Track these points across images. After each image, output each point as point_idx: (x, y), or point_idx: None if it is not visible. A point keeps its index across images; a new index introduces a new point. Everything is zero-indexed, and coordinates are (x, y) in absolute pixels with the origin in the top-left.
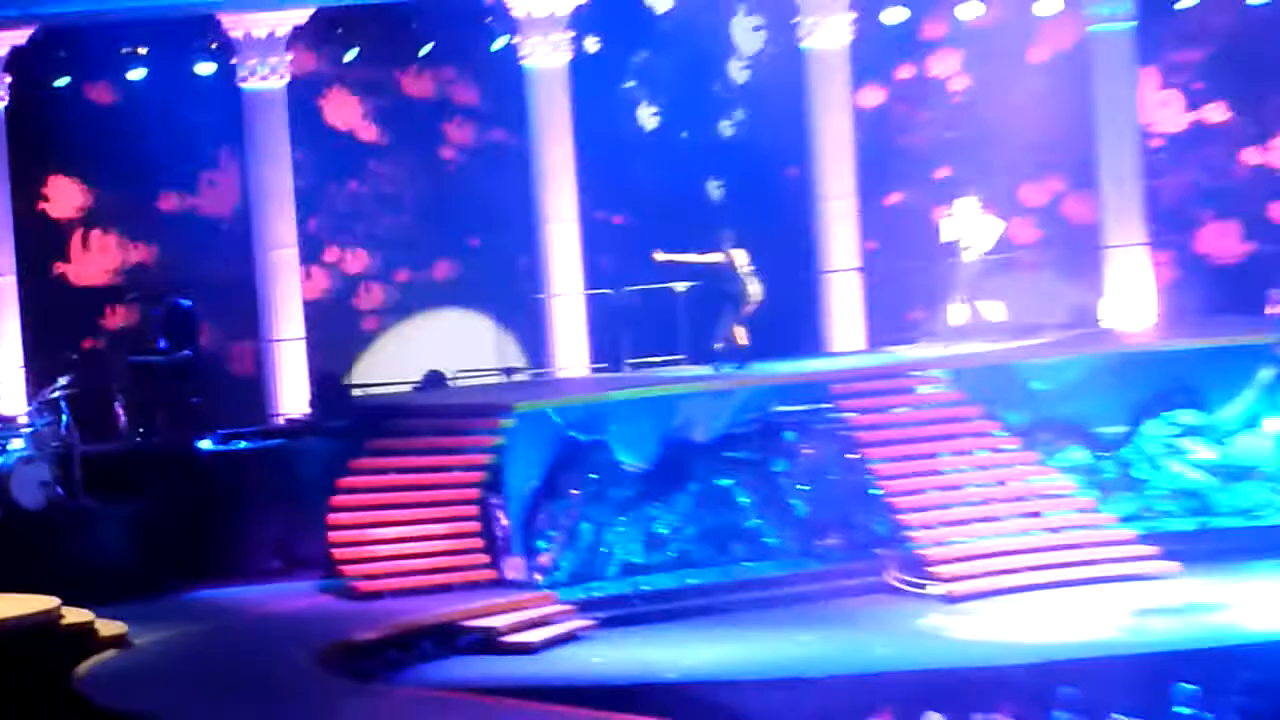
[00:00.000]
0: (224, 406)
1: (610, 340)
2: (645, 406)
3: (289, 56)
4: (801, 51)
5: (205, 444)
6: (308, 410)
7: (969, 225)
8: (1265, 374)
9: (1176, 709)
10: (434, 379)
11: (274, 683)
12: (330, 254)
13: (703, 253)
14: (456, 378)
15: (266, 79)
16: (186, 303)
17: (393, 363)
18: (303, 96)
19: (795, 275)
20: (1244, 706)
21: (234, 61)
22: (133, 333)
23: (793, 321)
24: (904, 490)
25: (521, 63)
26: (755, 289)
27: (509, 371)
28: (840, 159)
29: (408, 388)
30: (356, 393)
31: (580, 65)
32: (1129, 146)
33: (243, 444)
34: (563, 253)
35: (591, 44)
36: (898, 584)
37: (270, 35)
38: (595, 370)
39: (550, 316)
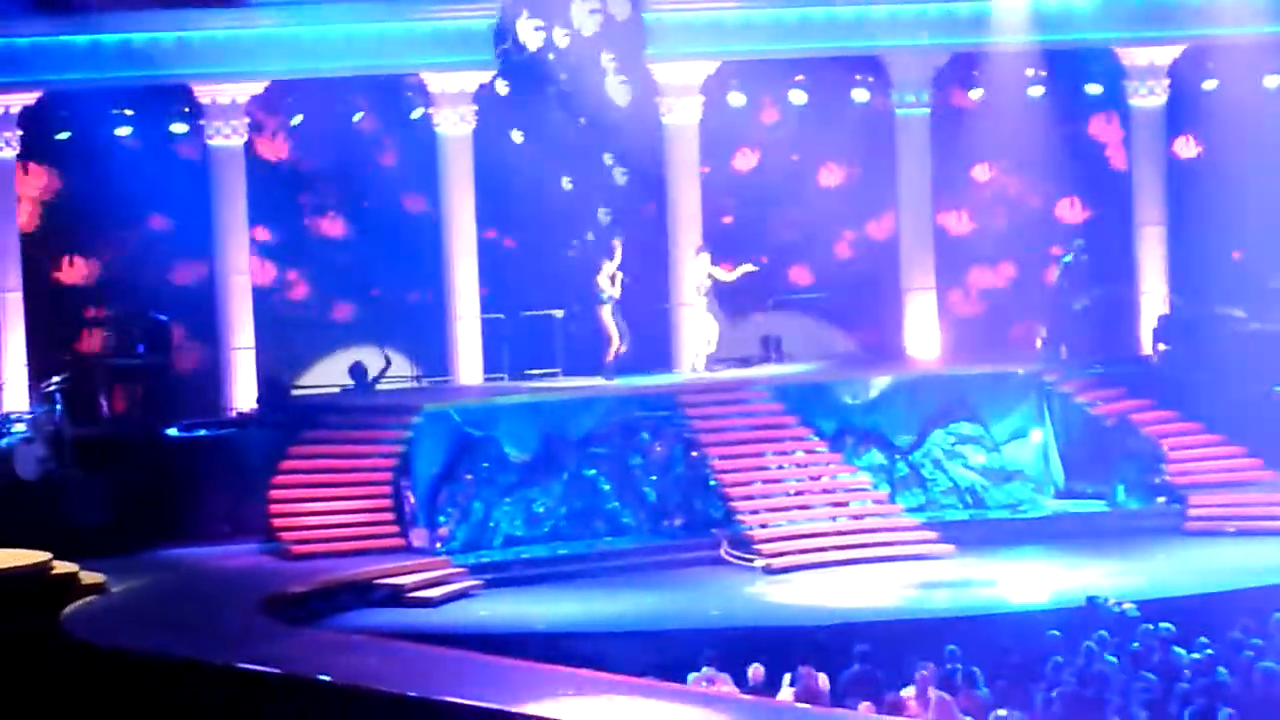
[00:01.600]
0: (188, 401)
1: (500, 355)
2: (528, 409)
3: (246, 119)
4: (663, 125)
5: (172, 431)
6: (255, 406)
7: (705, 274)
8: (1031, 395)
9: (951, 665)
10: (357, 369)
11: (222, 624)
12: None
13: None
14: (378, 378)
15: (229, 137)
16: (163, 316)
17: (333, 372)
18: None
19: (654, 305)
20: (1011, 664)
21: (202, 123)
22: (118, 340)
23: (651, 343)
24: (736, 482)
25: (435, 130)
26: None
27: (418, 379)
28: (691, 215)
29: (338, 388)
30: (298, 393)
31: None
32: (926, 210)
33: (202, 432)
34: (464, 285)
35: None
36: (729, 558)
37: (232, 101)
38: (488, 379)
39: (452, 336)
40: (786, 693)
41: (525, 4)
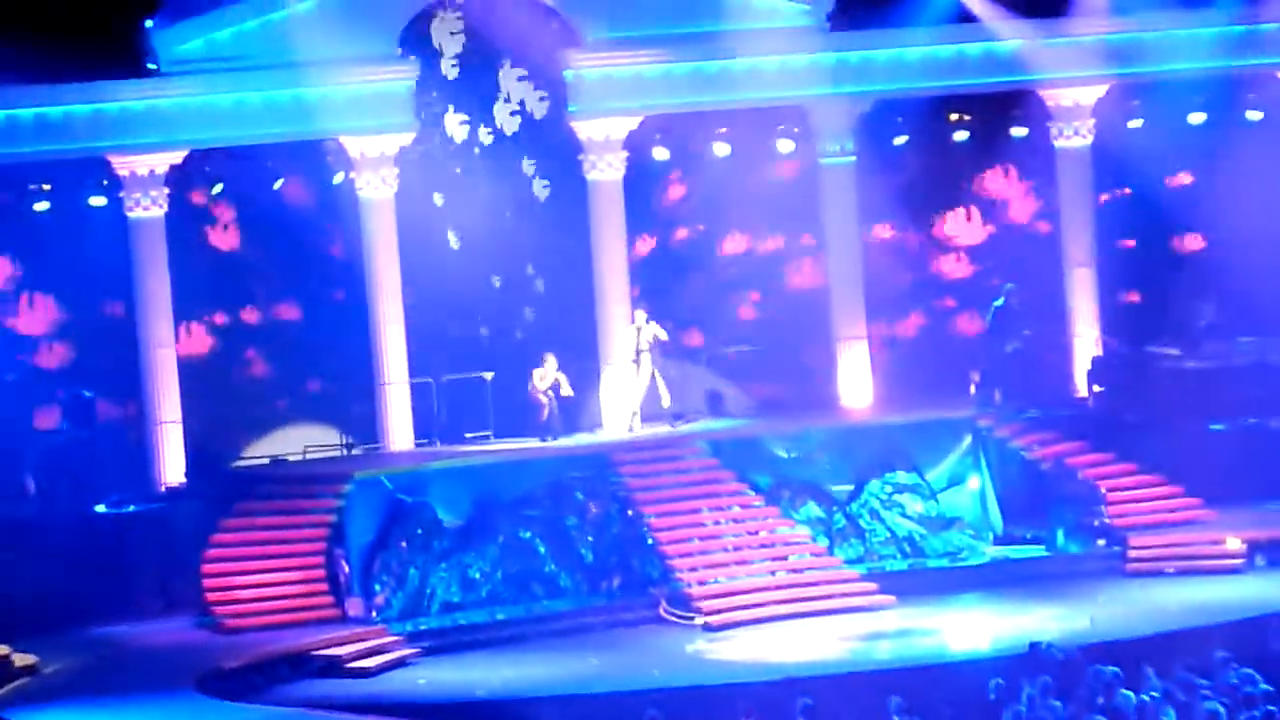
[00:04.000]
0: (115, 476)
1: (431, 419)
2: (460, 473)
3: (166, 190)
4: (586, 183)
5: (100, 507)
6: (184, 479)
7: (643, 334)
8: (967, 441)
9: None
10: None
11: (159, 702)
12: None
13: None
14: (307, 451)
15: (148, 209)
16: (89, 393)
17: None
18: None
19: (583, 366)
20: (955, 714)
21: (121, 194)
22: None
23: (580, 402)
24: (673, 539)
25: (358, 194)
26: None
27: (349, 446)
28: (618, 272)
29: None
30: (237, 464)
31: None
32: (854, 256)
33: (131, 507)
34: (393, 348)
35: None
36: (668, 616)
37: (151, 172)
38: (418, 445)
39: (382, 402)
40: None
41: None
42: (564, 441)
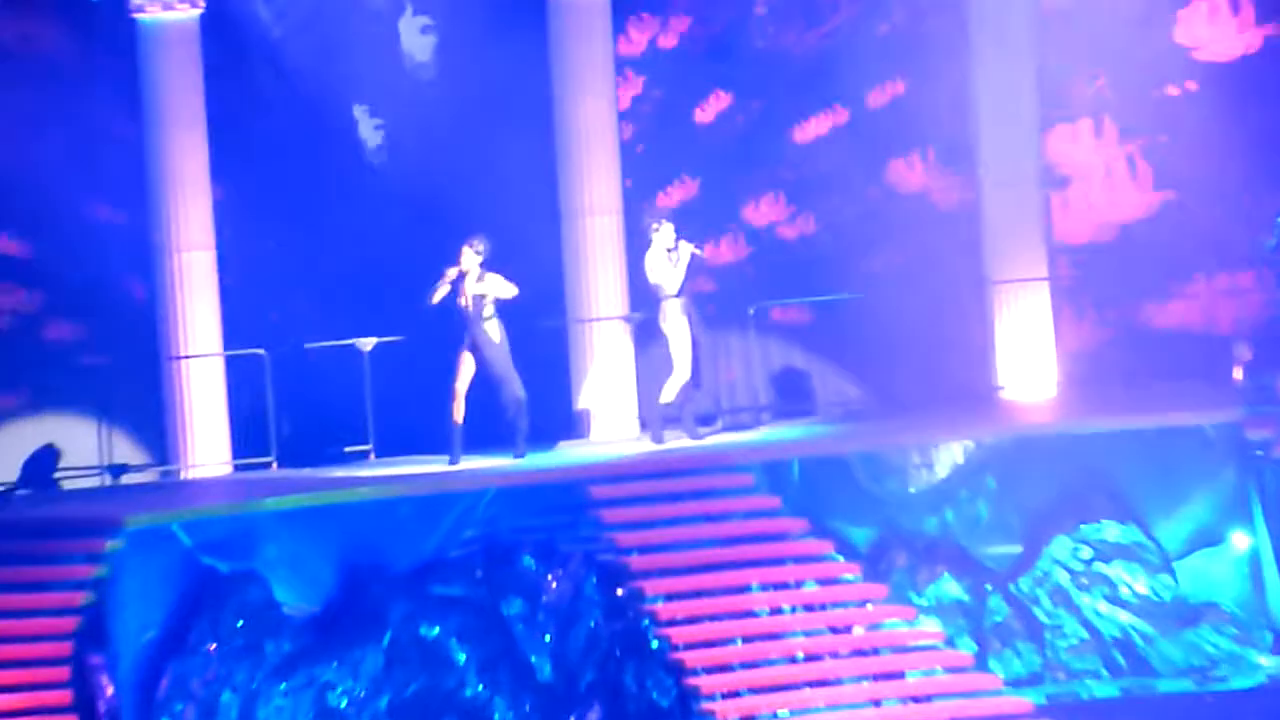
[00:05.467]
0: None
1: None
2: (315, 520)
3: None
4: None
5: None
6: None
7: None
8: (1229, 468)
9: None
10: (43, 459)
11: None
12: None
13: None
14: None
15: None
16: None
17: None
18: None
19: (533, 324)
20: None
21: None
22: None
23: (532, 392)
24: (697, 640)
25: (134, 17)
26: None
27: (117, 471)
28: (601, 152)
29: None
30: None
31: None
32: (1026, 134)
33: None
34: (197, 295)
35: None
36: None
37: None
38: (240, 467)
39: (176, 389)
40: None
41: None
42: (499, 462)
